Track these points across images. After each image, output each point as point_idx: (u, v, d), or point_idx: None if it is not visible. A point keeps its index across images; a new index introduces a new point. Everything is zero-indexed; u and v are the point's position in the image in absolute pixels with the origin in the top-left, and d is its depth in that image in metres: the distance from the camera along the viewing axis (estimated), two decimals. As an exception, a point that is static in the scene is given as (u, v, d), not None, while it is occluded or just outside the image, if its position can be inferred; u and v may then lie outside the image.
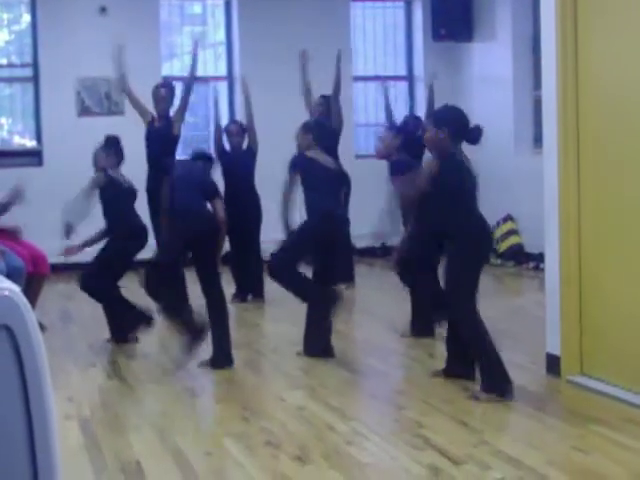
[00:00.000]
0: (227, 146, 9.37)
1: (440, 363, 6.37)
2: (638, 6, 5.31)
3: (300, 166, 6.84)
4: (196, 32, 7.38)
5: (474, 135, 5.70)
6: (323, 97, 9.87)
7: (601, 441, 4.69)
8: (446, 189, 5.54)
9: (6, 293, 2.03)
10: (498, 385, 5.49)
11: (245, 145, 9.33)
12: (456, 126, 5.63)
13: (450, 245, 5.66)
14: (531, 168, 7.78)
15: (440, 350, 6.86)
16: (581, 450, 4.55)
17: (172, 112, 8.76)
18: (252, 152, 9.26)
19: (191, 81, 8.96)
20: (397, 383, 5.94)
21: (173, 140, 8.70)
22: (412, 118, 10.68)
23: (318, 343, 6.60)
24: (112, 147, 7.27)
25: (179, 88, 9.02)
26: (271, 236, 6.89)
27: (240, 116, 11.08)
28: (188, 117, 9.76)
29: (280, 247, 6.76)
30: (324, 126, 7.55)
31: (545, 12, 6.02)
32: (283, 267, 6.66)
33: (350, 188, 9.44)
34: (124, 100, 11.31)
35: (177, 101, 8.82)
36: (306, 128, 7.03)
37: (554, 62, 5.87)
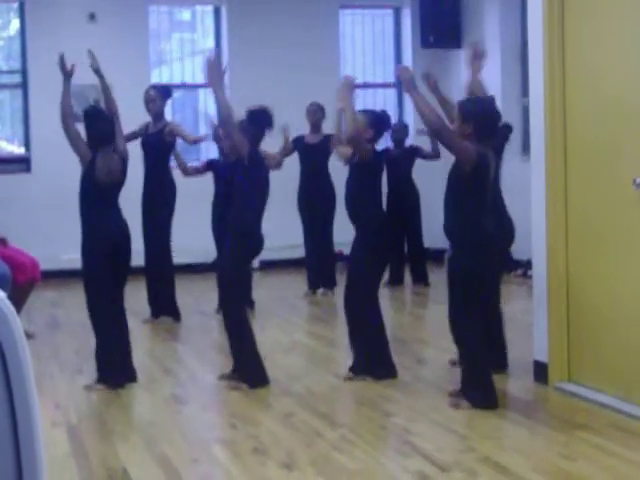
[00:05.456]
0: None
1: (429, 369, 6.38)
2: (624, 15, 5.35)
3: None
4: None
5: (502, 134, 5.45)
6: (317, 105, 9.84)
7: (588, 448, 4.70)
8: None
9: (-9, 300, 2.03)
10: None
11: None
12: (484, 122, 5.37)
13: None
14: (519, 174, 7.79)
15: (428, 356, 6.88)
16: (568, 457, 4.57)
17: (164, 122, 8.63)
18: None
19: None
20: (385, 390, 5.94)
21: (169, 147, 8.58)
22: (401, 126, 10.72)
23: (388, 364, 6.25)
24: None
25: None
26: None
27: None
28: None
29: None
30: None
31: (532, 20, 6.05)
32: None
33: None
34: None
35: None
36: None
37: (541, 69, 5.90)
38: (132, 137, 8.36)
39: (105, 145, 6.16)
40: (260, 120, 6.23)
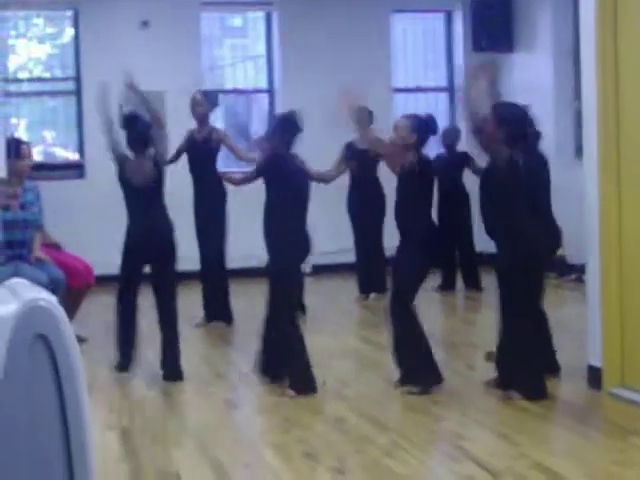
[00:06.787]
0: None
1: (480, 374, 6.33)
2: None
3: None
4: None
5: (530, 140, 5.77)
6: (366, 109, 9.77)
7: (642, 454, 4.64)
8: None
9: (43, 304, 2.06)
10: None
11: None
12: (516, 127, 5.63)
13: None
14: (572, 179, 7.71)
15: (479, 360, 6.82)
16: (622, 464, 4.50)
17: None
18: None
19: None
20: (436, 395, 5.91)
21: (214, 152, 8.64)
22: (453, 131, 10.66)
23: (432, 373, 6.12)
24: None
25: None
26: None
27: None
28: (227, 128, 9.71)
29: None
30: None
31: (585, 22, 5.99)
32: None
33: None
34: (166, 114, 11.41)
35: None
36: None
37: (594, 72, 5.84)
38: (181, 152, 8.55)
39: (141, 149, 6.77)
40: (288, 126, 6.32)
